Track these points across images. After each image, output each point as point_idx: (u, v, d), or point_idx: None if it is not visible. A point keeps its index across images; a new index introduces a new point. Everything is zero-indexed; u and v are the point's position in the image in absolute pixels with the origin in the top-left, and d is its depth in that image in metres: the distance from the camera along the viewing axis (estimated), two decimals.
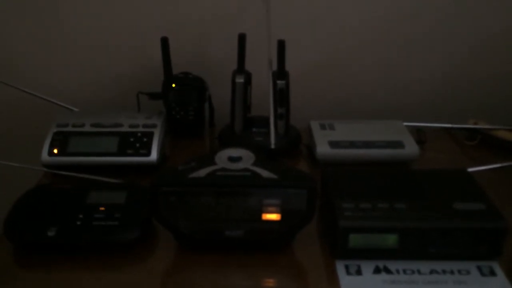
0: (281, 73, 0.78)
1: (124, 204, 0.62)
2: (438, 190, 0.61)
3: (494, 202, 0.58)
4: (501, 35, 0.90)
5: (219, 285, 0.55)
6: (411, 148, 0.77)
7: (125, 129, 0.78)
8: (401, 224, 0.56)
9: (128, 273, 0.57)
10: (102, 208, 0.61)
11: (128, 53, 0.92)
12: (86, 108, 0.89)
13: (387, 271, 0.56)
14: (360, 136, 0.79)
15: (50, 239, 0.58)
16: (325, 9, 0.88)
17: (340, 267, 0.56)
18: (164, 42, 0.81)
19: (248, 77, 0.80)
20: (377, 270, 0.56)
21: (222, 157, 0.59)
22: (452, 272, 0.55)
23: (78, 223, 0.59)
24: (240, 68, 0.79)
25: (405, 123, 0.83)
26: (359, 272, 0.56)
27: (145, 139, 0.76)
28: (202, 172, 0.56)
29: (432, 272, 0.56)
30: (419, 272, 0.56)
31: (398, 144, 0.78)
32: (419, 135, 0.86)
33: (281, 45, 0.75)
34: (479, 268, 0.56)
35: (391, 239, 0.56)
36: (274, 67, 0.78)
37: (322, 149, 0.77)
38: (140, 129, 0.78)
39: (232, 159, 0.59)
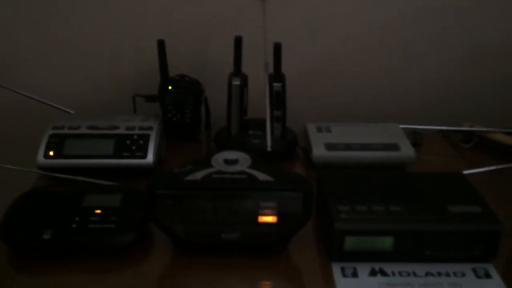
0: (277, 75, 0.78)
1: (120, 207, 0.62)
2: (433, 192, 0.61)
3: (489, 205, 0.58)
4: (497, 40, 0.91)
5: (215, 287, 0.55)
6: (407, 150, 0.78)
7: (121, 131, 0.77)
8: (397, 226, 0.56)
9: (124, 276, 0.57)
10: (98, 211, 0.61)
11: (124, 56, 0.92)
12: (82, 110, 0.89)
13: (383, 273, 0.56)
14: (356, 138, 0.79)
15: (45, 242, 0.57)
16: (321, 13, 0.89)
17: (336, 269, 0.57)
18: (161, 44, 0.81)
19: (245, 80, 0.80)
20: (373, 273, 0.56)
21: (219, 160, 0.59)
22: (447, 274, 0.56)
23: (74, 226, 0.59)
24: (237, 70, 0.79)
25: (401, 126, 0.84)
26: (355, 274, 0.56)
27: (141, 142, 0.76)
28: (199, 175, 0.56)
29: (427, 274, 0.56)
30: (414, 274, 0.56)
31: (394, 147, 0.78)
32: (415, 137, 0.86)
33: (277, 47, 0.76)
34: (474, 271, 0.56)
35: (386, 242, 0.56)
36: (271, 69, 0.78)
37: (319, 151, 0.77)
38: (136, 131, 0.78)
39: (228, 162, 0.59)
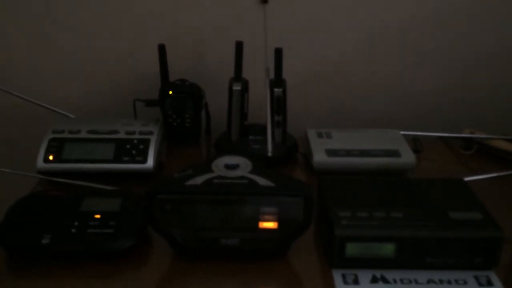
0: (278, 81, 0.78)
1: (119, 211, 0.62)
2: (434, 199, 0.61)
3: (490, 212, 0.58)
4: (497, 48, 0.91)
5: None
6: (407, 157, 0.78)
7: (121, 136, 0.77)
8: (398, 233, 0.55)
9: (123, 281, 0.56)
10: (97, 216, 0.60)
11: (125, 60, 0.92)
12: (82, 115, 0.88)
13: (384, 280, 0.56)
14: (357, 144, 0.79)
15: (44, 247, 0.57)
16: (322, 18, 0.89)
17: (337, 276, 0.56)
18: (161, 49, 0.81)
19: (245, 85, 0.80)
20: (374, 280, 0.56)
21: (219, 165, 0.59)
22: (449, 282, 0.55)
23: (73, 230, 0.59)
24: (237, 75, 0.79)
25: (402, 132, 0.84)
26: (356, 281, 0.55)
27: (141, 146, 0.76)
28: (199, 180, 0.56)
29: (429, 282, 0.55)
30: (416, 281, 0.55)
31: (395, 153, 0.78)
32: (416, 144, 0.86)
33: (278, 53, 0.76)
34: (476, 278, 0.56)
35: (388, 248, 0.56)
36: (271, 75, 0.78)
37: (319, 157, 0.77)
38: (137, 136, 0.77)
39: (229, 167, 0.59)
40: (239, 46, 0.76)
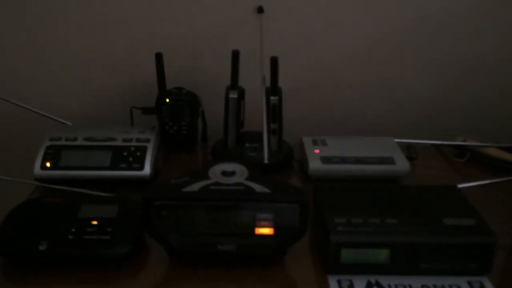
0: (274, 89, 0.79)
1: (116, 218, 0.62)
2: (428, 205, 0.62)
3: (483, 218, 0.59)
4: (490, 56, 0.92)
5: None
6: (402, 164, 0.78)
7: (118, 143, 0.78)
8: (392, 239, 0.56)
9: (120, 287, 0.56)
10: (94, 222, 0.61)
11: (122, 68, 0.93)
12: (79, 122, 0.89)
13: (379, 286, 0.56)
14: (352, 152, 0.80)
15: (41, 253, 0.57)
16: (317, 27, 0.90)
17: (332, 282, 0.57)
18: (159, 57, 0.81)
19: (242, 93, 0.81)
20: (369, 285, 0.56)
21: (216, 172, 0.59)
22: (443, 287, 0.56)
23: (70, 237, 0.59)
24: (234, 83, 0.80)
25: (396, 140, 0.85)
26: (351, 286, 0.56)
27: (138, 153, 0.76)
28: (196, 186, 0.57)
29: (423, 287, 0.56)
30: (410, 287, 0.56)
31: (389, 160, 0.79)
32: (410, 151, 0.87)
33: (274, 62, 0.77)
34: (469, 284, 0.56)
35: (382, 254, 0.56)
36: (267, 83, 0.79)
37: (314, 164, 0.78)
38: (134, 143, 0.78)
39: (225, 174, 0.59)
40: (235, 54, 0.77)
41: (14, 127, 0.96)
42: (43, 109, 0.86)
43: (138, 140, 0.78)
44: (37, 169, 0.74)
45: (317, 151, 0.80)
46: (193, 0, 0.88)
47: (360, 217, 0.58)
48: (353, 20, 0.90)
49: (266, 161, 0.73)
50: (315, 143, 0.83)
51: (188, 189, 0.56)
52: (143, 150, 0.77)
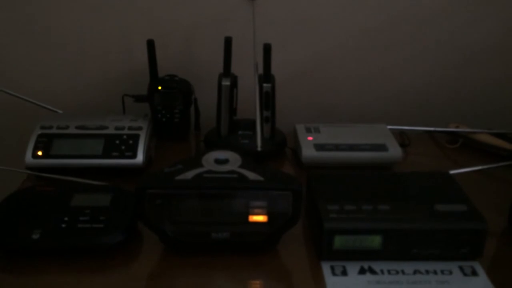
0: (267, 76, 0.78)
1: (109, 206, 0.62)
2: (420, 192, 0.62)
3: (475, 204, 0.59)
4: (483, 43, 0.92)
5: (205, 287, 0.55)
6: (394, 151, 0.79)
7: (110, 131, 0.77)
8: (385, 225, 0.56)
9: (113, 276, 0.57)
10: (87, 211, 0.60)
11: (113, 56, 0.92)
12: (70, 110, 0.88)
13: (372, 271, 0.57)
14: (345, 139, 0.80)
15: (34, 242, 0.57)
16: (310, 14, 0.90)
17: (325, 268, 0.57)
18: (150, 44, 0.81)
19: (234, 80, 0.81)
20: (362, 271, 0.57)
21: (209, 160, 0.59)
22: (435, 272, 0.57)
23: (63, 225, 0.59)
24: (226, 71, 0.79)
25: (389, 127, 0.85)
26: (344, 273, 0.56)
27: (130, 142, 0.76)
28: (189, 174, 0.56)
29: (415, 272, 0.57)
30: (403, 272, 0.57)
31: (382, 147, 0.79)
32: (402, 138, 0.87)
33: (267, 49, 0.76)
34: (461, 268, 0.57)
35: (375, 240, 0.57)
36: (260, 70, 0.78)
37: (308, 152, 0.78)
38: (126, 131, 0.77)
39: (218, 162, 0.59)
40: (228, 41, 0.77)
41: (5, 115, 0.95)
42: (34, 98, 0.85)
43: (130, 128, 0.78)
44: (28, 158, 0.74)
45: (310, 138, 0.80)
46: None
47: (353, 204, 0.58)
48: (346, 8, 0.89)
49: (259, 148, 0.73)
50: (308, 130, 0.83)
51: (181, 177, 0.56)
52: (136, 138, 0.76)
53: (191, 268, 0.58)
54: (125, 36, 0.90)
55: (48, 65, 0.92)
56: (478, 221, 0.57)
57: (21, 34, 0.90)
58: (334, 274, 0.56)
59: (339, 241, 0.57)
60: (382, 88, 0.96)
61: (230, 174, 0.57)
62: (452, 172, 0.70)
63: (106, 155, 0.74)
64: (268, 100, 0.79)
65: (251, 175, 0.57)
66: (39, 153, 0.74)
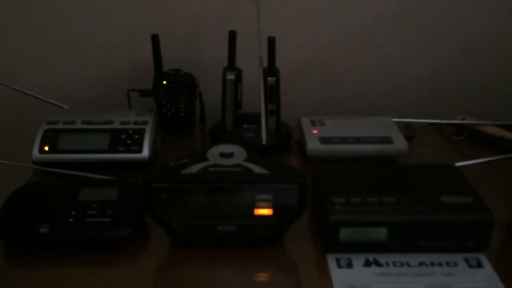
0: (271, 70, 0.78)
1: (117, 200, 0.62)
2: (426, 184, 0.62)
3: (480, 196, 0.59)
4: (488, 35, 0.92)
5: (211, 280, 0.56)
6: (400, 143, 0.79)
7: (116, 126, 0.78)
8: (391, 217, 0.57)
9: (121, 269, 0.57)
10: (94, 205, 0.61)
11: (118, 51, 0.92)
12: (76, 105, 0.88)
13: (377, 263, 0.57)
14: (350, 132, 0.80)
15: (42, 236, 0.58)
16: (315, 7, 0.89)
17: (331, 260, 0.57)
18: (155, 39, 0.81)
19: (239, 74, 0.81)
20: (367, 263, 0.57)
21: (214, 153, 0.59)
22: (440, 264, 0.57)
23: (71, 220, 0.59)
24: (231, 65, 0.79)
25: (394, 119, 0.85)
26: (350, 265, 0.57)
27: (136, 136, 0.76)
28: (194, 168, 0.57)
29: (421, 264, 0.57)
30: (408, 264, 0.57)
31: (387, 140, 0.79)
32: (408, 131, 0.87)
33: (271, 42, 0.76)
34: (466, 260, 0.57)
35: (380, 233, 0.57)
36: (265, 64, 0.78)
37: (313, 145, 0.78)
38: (131, 126, 0.78)
39: (224, 155, 0.59)
40: (232, 35, 0.77)
41: (12, 111, 0.95)
42: (40, 93, 0.86)
43: (136, 122, 0.78)
44: (35, 153, 0.74)
45: (315, 131, 0.80)
46: None
47: (358, 196, 0.59)
48: (351, 1, 0.89)
49: (264, 142, 0.73)
50: (313, 123, 0.83)
51: (187, 171, 0.56)
52: (141, 132, 0.77)
53: (197, 261, 0.58)
54: (130, 31, 0.90)
55: (53, 60, 0.92)
56: (484, 213, 0.57)
57: (27, 30, 0.90)
58: (339, 266, 0.57)
59: (344, 234, 0.57)
60: (387, 81, 0.96)
61: (236, 168, 0.57)
62: (458, 164, 0.70)
63: (112, 149, 0.75)
64: (273, 94, 0.79)
65: (256, 169, 0.57)
66: (46, 148, 0.75)
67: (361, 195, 0.59)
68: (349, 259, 0.57)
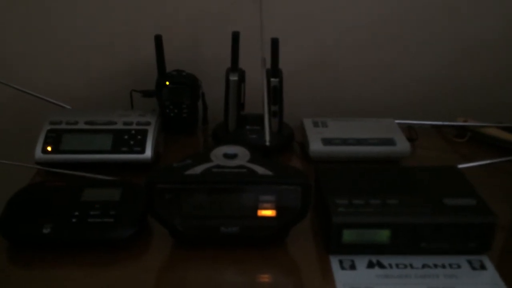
0: (274, 71, 0.78)
1: (119, 201, 0.62)
2: (429, 186, 0.62)
3: (483, 198, 0.59)
4: (490, 37, 0.92)
5: (214, 281, 0.56)
6: (402, 145, 0.79)
7: (119, 126, 0.78)
8: (393, 219, 0.57)
9: (123, 270, 0.57)
10: (97, 205, 0.61)
11: (121, 51, 0.92)
12: (79, 106, 0.88)
13: (380, 265, 0.57)
14: (353, 133, 0.80)
15: (45, 236, 0.58)
16: (318, 8, 0.89)
17: (334, 262, 0.57)
18: (158, 39, 0.81)
19: (242, 75, 0.81)
20: (370, 265, 0.57)
21: (218, 154, 0.60)
22: (443, 266, 0.57)
23: (73, 220, 0.59)
24: (234, 66, 0.79)
25: (397, 121, 0.85)
26: (353, 267, 0.57)
27: (139, 137, 0.76)
28: (198, 169, 0.57)
29: (424, 266, 0.57)
30: (411, 266, 0.57)
31: (390, 142, 0.79)
32: (410, 132, 0.87)
33: (274, 43, 0.76)
34: (469, 262, 0.57)
35: (383, 234, 0.57)
36: (268, 65, 0.78)
37: (315, 146, 0.78)
38: (134, 126, 0.78)
39: (227, 156, 0.59)
40: (235, 36, 0.77)
41: (15, 111, 0.95)
42: (43, 93, 0.86)
43: (138, 123, 0.78)
44: (38, 153, 0.75)
45: (317, 133, 0.80)
46: None
47: (361, 198, 0.59)
48: (354, 1, 0.89)
49: (267, 143, 0.73)
50: (315, 124, 0.83)
51: (190, 172, 0.56)
52: (144, 133, 0.77)
53: (200, 262, 0.58)
54: (132, 31, 0.90)
55: (56, 60, 0.92)
56: (486, 215, 0.57)
57: (29, 29, 0.90)
58: (342, 268, 0.57)
59: (347, 235, 0.57)
60: (389, 82, 0.96)
61: (239, 169, 0.57)
62: (460, 166, 0.70)
63: (115, 150, 0.75)
64: (276, 95, 0.79)
65: (260, 170, 0.57)
66: (49, 148, 0.75)
67: (364, 197, 0.59)
68: (352, 261, 0.57)
